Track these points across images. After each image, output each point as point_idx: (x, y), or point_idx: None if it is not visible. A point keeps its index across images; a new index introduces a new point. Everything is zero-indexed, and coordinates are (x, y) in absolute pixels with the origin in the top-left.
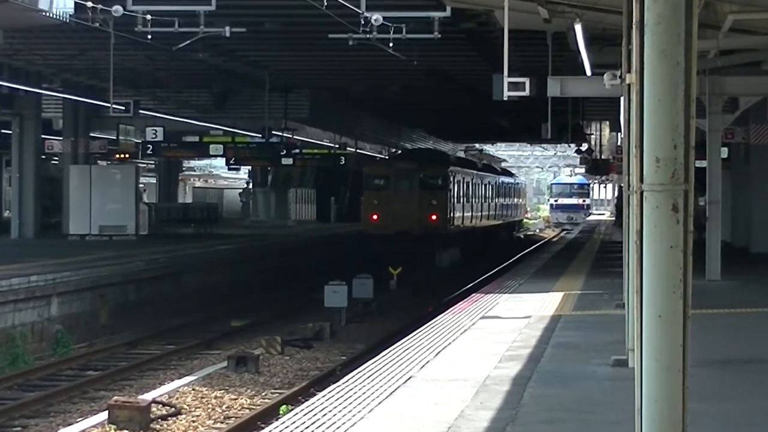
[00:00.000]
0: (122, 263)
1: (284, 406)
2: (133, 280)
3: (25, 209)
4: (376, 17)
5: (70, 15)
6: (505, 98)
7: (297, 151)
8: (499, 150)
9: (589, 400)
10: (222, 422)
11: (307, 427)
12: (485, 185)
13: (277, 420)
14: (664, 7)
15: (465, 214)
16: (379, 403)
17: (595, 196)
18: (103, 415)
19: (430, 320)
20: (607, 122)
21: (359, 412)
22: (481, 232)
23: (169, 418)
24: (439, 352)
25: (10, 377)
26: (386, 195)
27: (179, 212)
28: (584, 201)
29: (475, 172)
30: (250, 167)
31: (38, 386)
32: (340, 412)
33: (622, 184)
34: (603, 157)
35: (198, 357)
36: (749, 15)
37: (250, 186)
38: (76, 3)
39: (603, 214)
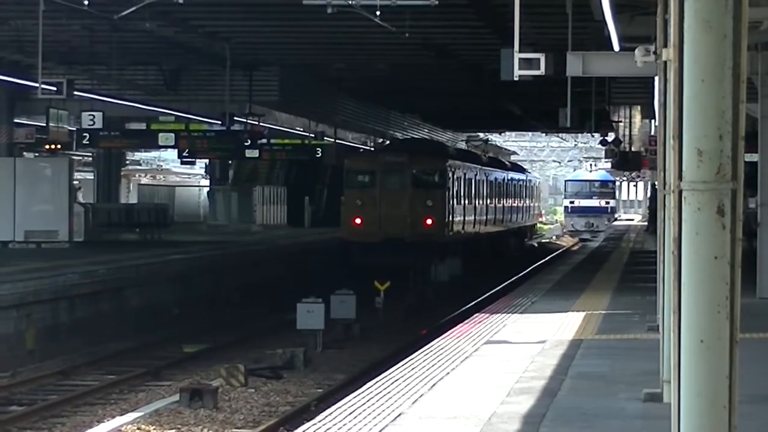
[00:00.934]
0: (53, 276)
1: None
2: (65, 297)
3: None
4: None
5: None
6: (516, 78)
7: (264, 141)
8: (508, 141)
9: None
10: None
11: None
12: (491, 183)
13: None
14: None
15: (467, 218)
16: None
17: (623, 197)
18: None
19: (425, 346)
20: (639, 107)
21: None
22: (486, 240)
23: None
24: (434, 384)
25: None
26: (372, 194)
27: (122, 215)
28: (608, 202)
29: (479, 166)
30: (207, 161)
31: None
32: None
33: (656, 182)
34: (633, 149)
35: (144, 389)
36: None
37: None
38: None
39: (632, 219)
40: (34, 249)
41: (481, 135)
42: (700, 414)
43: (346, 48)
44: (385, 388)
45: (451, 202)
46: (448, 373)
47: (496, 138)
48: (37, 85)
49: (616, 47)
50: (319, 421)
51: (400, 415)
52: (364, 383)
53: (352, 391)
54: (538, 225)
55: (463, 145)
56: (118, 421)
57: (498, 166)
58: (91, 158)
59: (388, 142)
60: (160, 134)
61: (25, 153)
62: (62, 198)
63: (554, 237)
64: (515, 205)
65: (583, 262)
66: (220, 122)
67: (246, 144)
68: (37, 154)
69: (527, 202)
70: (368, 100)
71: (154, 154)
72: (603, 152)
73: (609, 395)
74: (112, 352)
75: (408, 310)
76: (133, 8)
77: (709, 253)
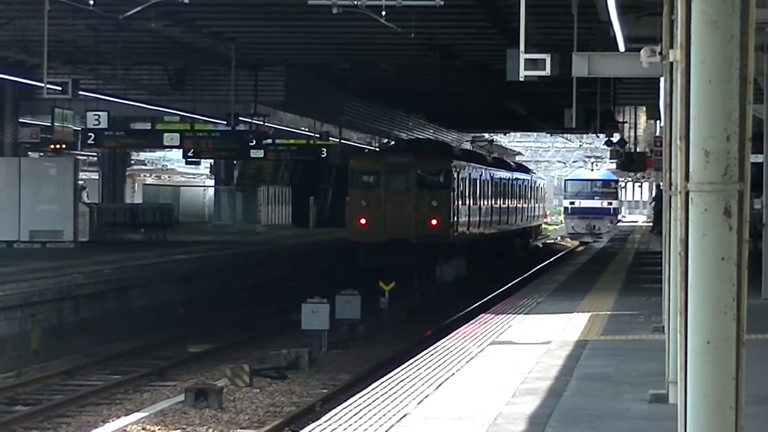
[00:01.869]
0: (58, 276)
1: None
2: (70, 297)
3: None
4: None
5: None
6: (522, 79)
7: (269, 141)
8: (513, 141)
9: None
10: None
11: None
12: (496, 183)
13: None
14: None
15: (471, 219)
16: None
17: (628, 197)
18: None
19: (430, 346)
20: (644, 108)
21: None
22: (490, 240)
23: None
24: (440, 385)
25: None
26: (376, 195)
27: (127, 214)
28: (610, 203)
29: (484, 167)
30: (212, 161)
31: None
32: None
33: (661, 183)
34: (638, 150)
35: (149, 389)
36: None
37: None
38: None
39: (636, 222)
40: (39, 249)
41: (486, 135)
42: (707, 415)
43: (352, 48)
44: (391, 389)
45: (455, 202)
46: (453, 373)
47: (501, 138)
48: (42, 84)
49: (622, 48)
50: (325, 422)
51: (405, 415)
52: (370, 384)
53: (358, 392)
54: (543, 226)
55: (468, 146)
56: (123, 421)
57: (503, 167)
58: (96, 158)
59: (393, 142)
60: (165, 134)
61: (30, 153)
62: (67, 198)
63: (559, 238)
64: (520, 205)
65: (588, 263)
66: (225, 122)
67: (251, 144)
68: (42, 154)
69: (532, 202)
70: (373, 100)
71: (159, 154)
72: (608, 153)
73: (614, 396)
74: (117, 352)
75: (413, 311)
76: (139, 8)
77: (716, 255)
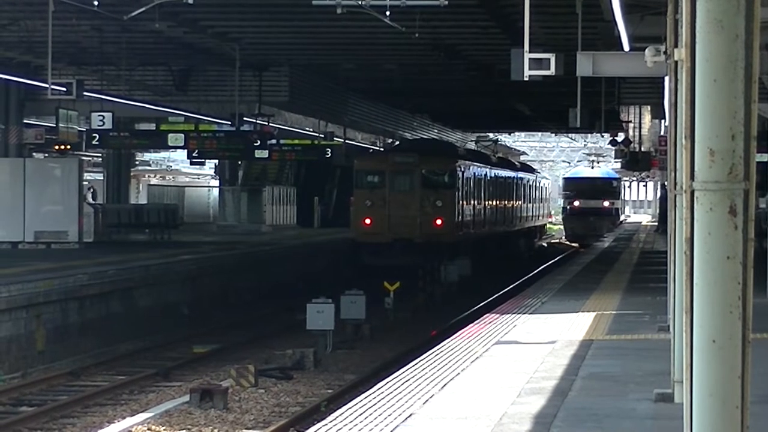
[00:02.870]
0: (62, 277)
1: None
2: (75, 297)
3: None
4: None
5: None
6: (526, 78)
7: (274, 141)
8: (518, 141)
9: None
10: None
11: None
12: (501, 183)
13: None
14: None
15: (476, 218)
16: None
17: (633, 197)
18: None
19: (435, 346)
20: (648, 107)
21: None
22: (495, 240)
23: None
24: (445, 385)
25: None
26: (381, 195)
27: (131, 215)
28: (612, 203)
29: (489, 167)
30: (216, 161)
31: None
32: None
33: (665, 182)
34: (643, 149)
35: (154, 390)
36: None
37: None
38: None
39: (640, 222)
40: (43, 249)
41: (491, 135)
42: (712, 414)
43: (356, 48)
44: (396, 389)
45: (460, 202)
46: (458, 373)
47: (505, 138)
48: (46, 85)
49: (626, 47)
50: (330, 422)
51: (411, 415)
52: (375, 384)
53: (363, 392)
54: (548, 225)
55: (472, 146)
56: (129, 421)
57: (507, 167)
58: (100, 159)
59: (397, 142)
60: (170, 135)
61: (34, 153)
62: (72, 199)
63: (563, 237)
64: (525, 205)
65: (592, 263)
66: (229, 123)
67: (255, 144)
68: (46, 155)
69: (537, 202)
70: (378, 100)
71: (163, 154)
72: (610, 151)
73: (620, 396)
74: (122, 352)
75: (418, 311)
76: (143, 9)
77: (722, 253)
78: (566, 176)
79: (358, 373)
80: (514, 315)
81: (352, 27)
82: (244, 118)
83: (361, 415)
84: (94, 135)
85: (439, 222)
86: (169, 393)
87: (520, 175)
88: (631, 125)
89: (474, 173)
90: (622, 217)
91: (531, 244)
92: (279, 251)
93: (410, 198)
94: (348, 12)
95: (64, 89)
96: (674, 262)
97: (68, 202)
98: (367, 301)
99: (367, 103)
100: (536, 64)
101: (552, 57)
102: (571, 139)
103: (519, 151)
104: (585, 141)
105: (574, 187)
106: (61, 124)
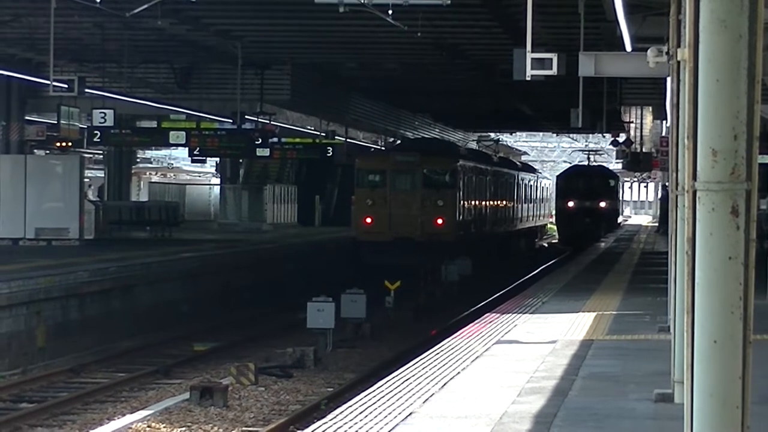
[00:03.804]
0: (63, 273)
1: None
2: (75, 294)
3: None
4: None
5: None
6: (528, 78)
7: (275, 139)
8: (519, 141)
9: None
10: None
11: None
12: (502, 183)
13: None
14: None
15: (477, 218)
16: None
17: (634, 198)
18: None
19: (435, 345)
20: (650, 108)
21: None
22: (496, 240)
23: None
24: (445, 384)
25: None
26: (382, 194)
27: (132, 213)
28: (609, 203)
29: (490, 167)
30: (218, 159)
31: None
32: None
33: (667, 183)
34: (644, 150)
35: (154, 387)
36: None
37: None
38: None
39: (641, 223)
40: (44, 246)
41: (492, 135)
42: (713, 414)
43: (358, 47)
44: (396, 388)
45: (461, 202)
46: (458, 372)
47: (506, 138)
48: (48, 82)
49: (629, 47)
50: (330, 420)
51: (410, 414)
52: (375, 382)
53: (363, 391)
54: (549, 225)
55: (473, 145)
56: (128, 419)
57: (509, 167)
58: (102, 156)
59: (399, 141)
60: (171, 132)
61: (36, 150)
62: (73, 196)
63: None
64: (525, 205)
65: (593, 263)
66: (231, 121)
67: (257, 143)
68: (48, 152)
69: (537, 202)
70: (379, 99)
71: (164, 152)
72: (614, 153)
73: (620, 396)
74: (123, 349)
75: (418, 310)
76: (145, 6)
77: (723, 254)
78: (559, 174)
79: (358, 372)
80: (514, 314)
81: (354, 26)
82: (246, 117)
83: (361, 413)
84: (95, 132)
85: (440, 221)
86: (169, 390)
87: (521, 175)
88: (632, 126)
89: (475, 173)
90: (621, 219)
91: (532, 244)
92: (280, 249)
93: (411, 197)
94: (350, 11)
95: (66, 86)
96: (675, 263)
97: (69, 199)
98: (368, 300)
99: (369, 102)
100: (538, 64)
101: (554, 57)
102: (573, 139)
103: (520, 151)
104: (586, 141)
105: (566, 184)
106: (62, 121)
